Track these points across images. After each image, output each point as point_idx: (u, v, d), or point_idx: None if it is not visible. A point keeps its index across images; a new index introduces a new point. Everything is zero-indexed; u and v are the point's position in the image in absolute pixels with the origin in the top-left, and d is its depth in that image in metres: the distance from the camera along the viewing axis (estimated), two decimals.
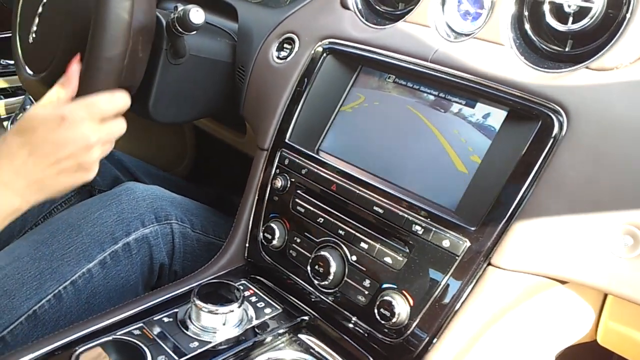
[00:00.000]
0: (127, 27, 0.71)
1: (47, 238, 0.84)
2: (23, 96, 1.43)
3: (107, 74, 0.71)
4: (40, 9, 0.83)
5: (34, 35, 0.84)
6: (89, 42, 0.70)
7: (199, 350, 0.66)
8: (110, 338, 0.66)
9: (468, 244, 0.60)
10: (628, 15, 0.58)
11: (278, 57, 0.87)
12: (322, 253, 0.72)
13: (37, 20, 0.84)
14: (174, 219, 0.91)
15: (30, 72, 0.86)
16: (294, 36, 0.86)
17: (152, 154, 1.40)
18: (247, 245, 0.83)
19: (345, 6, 0.83)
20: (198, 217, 0.97)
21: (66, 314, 0.81)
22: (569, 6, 0.61)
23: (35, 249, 0.82)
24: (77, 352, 0.64)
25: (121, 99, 0.70)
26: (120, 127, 0.70)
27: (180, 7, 0.80)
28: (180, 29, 0.81)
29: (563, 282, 0.59)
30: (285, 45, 0.87)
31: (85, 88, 0.70)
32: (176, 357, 0.64)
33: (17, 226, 0.99)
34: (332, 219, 0.73)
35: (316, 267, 0.72)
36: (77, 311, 0.81)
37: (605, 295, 0.61)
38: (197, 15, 0.78)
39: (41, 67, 0.83)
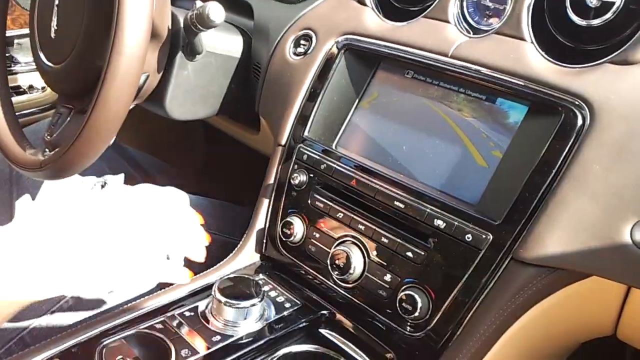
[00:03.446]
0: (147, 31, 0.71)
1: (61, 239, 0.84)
2: (37, 93, 1.44)
3: (128, 74, 0.72)
4: (57, 1, 0.84)
5: (55, 28, 0.84)
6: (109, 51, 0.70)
7: (222, 344, 0.66)
8: (133, 332, 0.67)
9: (491, 237, 0.61)
10: None
11: (295, 54, 0.87)
12: (342, 248, 0.72)
13: (55, 12, 0.84)
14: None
15: (50, 64, 0.86)
16: (311, 32, 0.86)
17: (163, 150, 1.41)
18: (264, 241, 0.84)
19: (362, 2, 0.83)
20: (213, 217, 0.98)
21: (85, 315, 0.81)
22: (592, 1, 0.61)
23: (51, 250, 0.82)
24: (101, 346, 0.65)
25: None
26: None
27: (199, 4, 0.80)
28: (199, 26, 0.81)
29: (586, 276, 0.59)
30: (302, 42, 0.87)
31: (108, 90, 0.70)
32: (199, 351, 0.65)
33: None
34: (351, 214, 0.73)
35: (336, 262, 0.72)
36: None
37: (628, 290, 0.61)
38: (217, 12, 0.78)
39: (60, 58, 0.84)
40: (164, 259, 0.71)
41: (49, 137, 0.86)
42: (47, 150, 0.84)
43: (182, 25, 0.86)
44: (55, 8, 0.84)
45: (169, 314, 0.70)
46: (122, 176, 1.16)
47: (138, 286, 0.83)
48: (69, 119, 0.87)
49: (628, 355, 1.01)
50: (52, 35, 0.85)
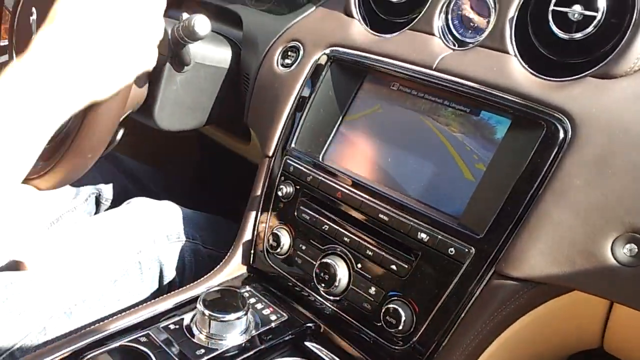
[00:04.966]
0: None
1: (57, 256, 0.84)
2: None
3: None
4: (34, 16, 0.84)
5: None
6: None
7: (205, 358, 0.66)
8: (117, 345, 0.67)
9: (473, 251, 0.60)
10: (632, 24, 0.58)
11: (282, 65, 0.88)
12: (327, 260, 0.72)
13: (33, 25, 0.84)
14: (184, 236, 0.92)
15: None
16: (299, 44, 0.86)
17: (159, 159, 1.41)
18: (252, 252, 0.83)
19: (349, 14, 0.83)
20: (208, 231, 0.97)
21: (77, 330, 0.81)
22: (574, 15, 0.61)
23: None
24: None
25: None
26: None
27: (186, 16, 0.80)
28: (186, 38, 0.81)
29: (569, 290, 0.59)
30: (289, 53, 0.87)
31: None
32: None
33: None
34: (337, 227, 0.73)
35: (322, 274, 0.72)
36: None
37: (612, 303, 0.61)
38: (202, 25, 0.78)
39: None
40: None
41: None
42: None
43: (169, 37, 0.86)
44: (34, 15, 0.84)
45: (153, 327, 0.70)
46: (114, 187, 1.16)
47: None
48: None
49: None
50: None
